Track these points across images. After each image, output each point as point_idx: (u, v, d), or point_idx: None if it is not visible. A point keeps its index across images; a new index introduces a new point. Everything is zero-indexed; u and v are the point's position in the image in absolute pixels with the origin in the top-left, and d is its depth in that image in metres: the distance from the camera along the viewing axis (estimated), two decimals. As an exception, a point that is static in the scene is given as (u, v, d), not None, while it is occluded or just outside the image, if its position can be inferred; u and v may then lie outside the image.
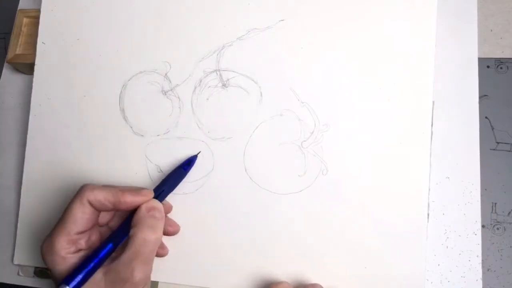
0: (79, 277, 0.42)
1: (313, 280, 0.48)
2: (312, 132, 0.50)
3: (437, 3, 0.49)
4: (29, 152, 0.55)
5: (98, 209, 0.45)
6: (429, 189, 0.48)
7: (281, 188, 0.49)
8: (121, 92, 0.53)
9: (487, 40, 0.54)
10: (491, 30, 0.54)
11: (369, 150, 0.48)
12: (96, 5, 0.55)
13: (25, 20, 0.59)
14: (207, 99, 0.52)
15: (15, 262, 0.54)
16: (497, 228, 0.49)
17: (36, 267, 0.54)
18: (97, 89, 0.54)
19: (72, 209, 0.44)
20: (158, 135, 0.52)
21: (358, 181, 0.48)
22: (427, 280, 0.48)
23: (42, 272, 0.54)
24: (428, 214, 0.47)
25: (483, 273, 0.48)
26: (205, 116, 0.51)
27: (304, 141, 0.50)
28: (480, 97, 0.51)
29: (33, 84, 0.55)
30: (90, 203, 0.44)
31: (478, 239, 0.49)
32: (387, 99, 0.49)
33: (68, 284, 0.41)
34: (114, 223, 0.48)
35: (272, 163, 0.50)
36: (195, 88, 0.52)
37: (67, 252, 0.43)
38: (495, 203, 0.50)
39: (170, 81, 0.53)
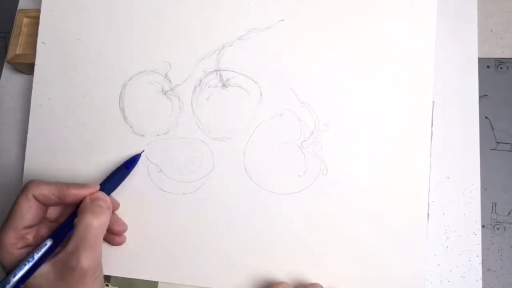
0: (20, 272, 0.42)
1: (313, 280, 0.48)
2: (312, 132, 0.50)
3: (437, 3, 0.49)
4: (29, 152, 0.54)
5: (44, 203, 0.45)
6: (429, 189, 0.48)
7: (281, 188, 0.49)
8: (121, 92, 0.53)
9: (487, 40, 0.53)
10: (491, 30, 0.54)
11: (369, 150, 0.48)
12: (96, 5, 0.55)
13: (25, 20, 0.59)
14: (207, 99, 0.52)
15: (15, 262, 0.54)
16: (497, 228, 0.49)
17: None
18: (97, 89, 0.54)
19: (18, 205, 0.44)
20: (158, 135, 0.52)
21: (358, 181, 0.48)
22: (427, 280, 0.48)
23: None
24: (428, 214, 0.47)
25: (483, 273, 0.48)
26: (205, 116, 0.51)
27: (304, 141, 0.50)
28: (480, 97, 0.51)
29: (33, 84, 0.55)
30: (35, 198, 0.45)
31: (478, 239, 0.49)
32: (387, 99, 0.49)
33: (9, 281, 0.42)
34: (63, 219, 0.48)
35: (272, 163, 0.50)
36: (195, 88, 0.52)
37: (15, 247, 0.43)
38: (495, 203, 0.50)
39: (170, 81, 0.53)
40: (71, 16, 0.56)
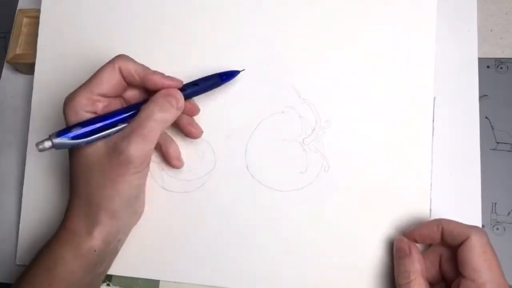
0: (80, 131, 0.42)
1: (314, 277, 0.48)
2: (314, 129, 0.50)
3: (437, 3, 0.49)
4: (30, 152, 0.54)
5: (126, 80, 0.45)
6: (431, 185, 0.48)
7: (282, 185, 0.49)
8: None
9: (487, 40, 0.54)
10: (491, 30, 0.54)
11: (371, 147, 0.49)
12: (97, 4, 0.55)
13: (25, 20, 0.59)
14: (208, 97, 0.52)
15: (17, 262, 0.54)
16: (497, 228, 0.50)
17: (36, 267, 0.54)
18: (97, 88, 0.54)
19: (101, 71, 0.44)
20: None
21: (359, 177, 0.48)
22: (428, 279, 0.48)
23: (42, 272, 0.54)
24: (430, 210, 0.47)
25: (484, 272, 0.48)
26: (206, 114, 0.51)
27: (306, 138, 0.50)
28: (480, 97, 0.51)
29: (33, 84, 0.55)
30: (120, 70, 0.45)
31: (478, 239, 0.49)
32: (388, 96, 0.49)
33: (70, 131, 0.42)
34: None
35: (273, 160, 0.50)
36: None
37: (84, 108, 0.44)
38: (495, 203, 0.50)
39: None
40: (71, 16, 0.56)
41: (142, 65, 0.46)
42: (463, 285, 0.40)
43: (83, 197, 0.44)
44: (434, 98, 0.49)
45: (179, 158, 0.50)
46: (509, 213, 0.50)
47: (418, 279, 0.42)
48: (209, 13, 0.53)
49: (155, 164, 0.52)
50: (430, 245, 0.46)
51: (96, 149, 0.43)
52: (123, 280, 0.52)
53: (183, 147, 0.51)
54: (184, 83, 0.47)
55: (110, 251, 0.46)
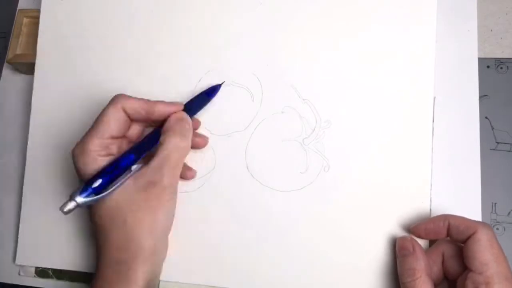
0: (99, 181, 0.43)
1: (315, 277, 0.48)
2: (314, 129, 0.50)
3: (437, 3, 0.49)
4: (30, 153, 0.54)
5: (131, 117, 0.46)
6: (431, 185, 0.48)
7: (282, 185, 0.49)
8: (122, 91, 0.53)
9: (487, 40, 0.54)
10: (491, 30, 0.54)
11: (371, 146, 0.49)
12: (97, 4, 0.55)
13: (25, 20, 0.59)
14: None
15: (17, 262, 0.54)
16: (497, 228, 0.50)
17: (36, 267, 0.54)
18: (98, 88, 0.54)
19: (107, 114, 0.45)
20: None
21: (359, 177, 0.48)
22: (429, 279, 0.48)
23: (43, 272, 0.54)
24: (430, 210, 0.47)
25: (484, 272, 0.48)
26: (206, 114, 0.51)
27: (306, 138, 0.50)
28: (480, 97, 0.51)
29: (34, 84, 0.55)
30: (124, 110, 0.45)
31: (478, 239, 0.49)
32: (388, 96, 0.49)
33: (90, 186, 0.42)
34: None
35: (273, 160, 0.50)
36: (196, 86, 0.52)
37: (98, 154, 0.44)
38: (495, 203, 0.50)
39: (171, 80, 0.52)
40: (71, 16, 0.56)
41: (143, 99, 0.46)
42: (470, 278, 0.40)
43: (121, 241, 0.43)
44: (434, 98, 0.49)
45: (190, 169, 0.51)
46: (509, 213, 0.50)
47: (423, 276, 0.42)
48: (208, 13, 0.53)
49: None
50: (430, 245, 0.46)
51: (124, 190, 0.44)
52: (123, 280, 0.52)
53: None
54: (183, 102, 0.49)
55: None
